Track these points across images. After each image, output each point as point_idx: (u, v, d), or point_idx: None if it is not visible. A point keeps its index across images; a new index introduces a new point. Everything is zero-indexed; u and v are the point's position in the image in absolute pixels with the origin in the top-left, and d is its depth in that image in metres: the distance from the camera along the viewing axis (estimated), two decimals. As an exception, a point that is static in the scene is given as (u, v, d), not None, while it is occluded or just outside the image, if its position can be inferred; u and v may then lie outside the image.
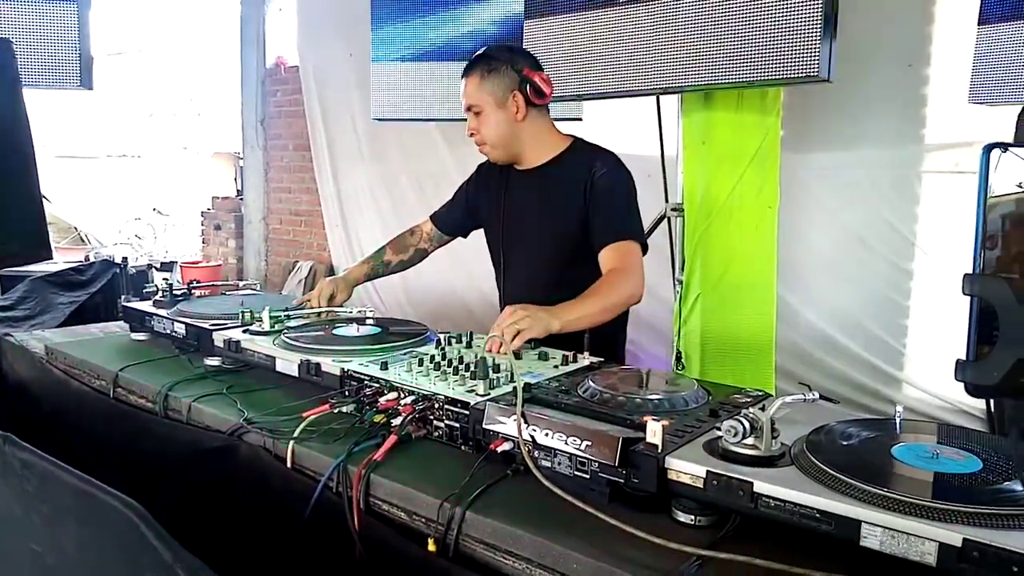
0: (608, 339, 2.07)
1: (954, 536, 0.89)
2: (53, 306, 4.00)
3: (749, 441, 1.10)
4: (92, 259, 5.36)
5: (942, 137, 3.25)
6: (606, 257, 2.00)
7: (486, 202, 2.31)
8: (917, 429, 1.23)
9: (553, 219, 2.13)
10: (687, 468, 1.09)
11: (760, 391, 1.45)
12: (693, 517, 1.10)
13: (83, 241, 12.32)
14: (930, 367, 3.34)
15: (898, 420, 1.20)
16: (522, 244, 2.22)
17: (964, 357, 2.34)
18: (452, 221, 2.44)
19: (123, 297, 2.37)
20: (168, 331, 2.13)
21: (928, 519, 0.91)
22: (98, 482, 1.11)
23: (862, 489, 0.97)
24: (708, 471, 1.07)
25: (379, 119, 4.12)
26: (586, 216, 2.06)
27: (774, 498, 1.01)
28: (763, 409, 1.13)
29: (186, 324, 2.07)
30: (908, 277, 3.41)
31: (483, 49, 2.15)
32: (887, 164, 3.36)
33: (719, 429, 1.13)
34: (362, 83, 4.91)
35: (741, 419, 1.11)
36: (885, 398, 3.45)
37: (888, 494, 0.95)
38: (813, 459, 1.06)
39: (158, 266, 8.20)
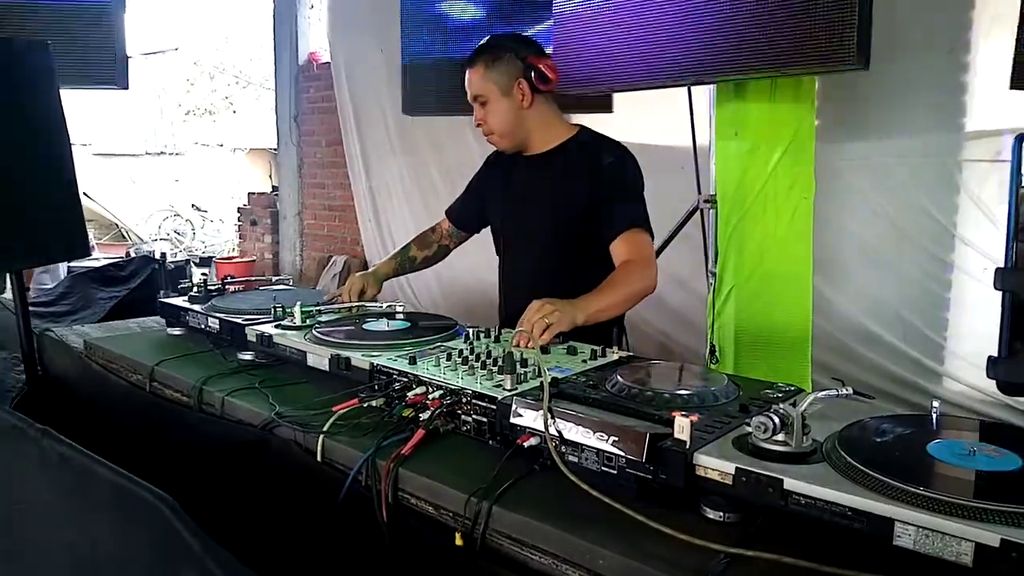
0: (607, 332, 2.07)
1: (992, 536, 0.86)
2: (94, 302, 4.08)
3: (779, 437, 1.08)
4: (132, 255, 5.47)
5: (983, 125, 3.16)
6: (619, 247, 2.00)
7: (492, 190, 2.32)
8: (954, 425, 1.20)
9: (555, 205, 2.13)
10: (715, 464, 1.08)
11: (792, 386, 1.42)
12: (721, 514, 1.09)
13: (124, 237, 12.57)
14: (971, 360, 3.26)
15: (934, 416, 1.17)
16: (523, 230, 2.22)
17: (996, 354, 2.28)
18: (465, 216, 2.45)
19: (161, 293, 2.40)
20: (203, 326, 2.16)
21: (965, 518, 0.89)
22: (131, 475, 1.13)
23: (896, 487, 0.95)
24: (737, 468, 1.06)
25: (409, 114, 4.13)
26: (590, 204, 2.05)
27: (805, 495, 0.99)
28: (794, 405, 1.11)
29: (220, 319, 2.10)
30: (948, 268, 3.33)
31: (486, 39, 2.15)
32: (926, 153, 3.29)
33: (749, 425, 1.12)
34: (393, 78, 4.92)
35: (771, 415, 1.09)
36: (925, 392, 3.38)
37: (923, 492, 0.93)
38: (845, 456, 1.04)
39: (197, 262, 8.34)
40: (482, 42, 2.14)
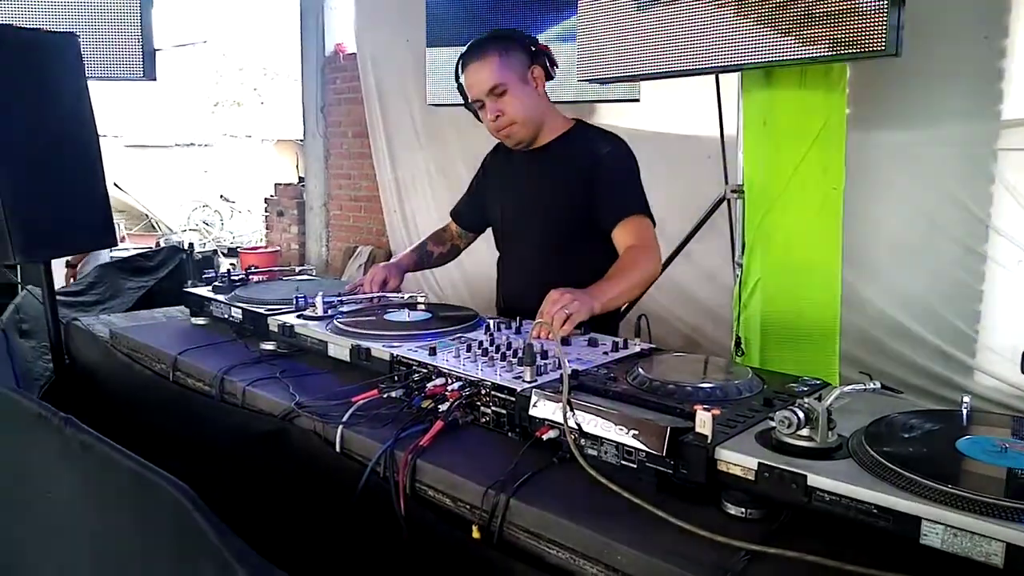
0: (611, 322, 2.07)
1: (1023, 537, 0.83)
2: (122, 291, 4.13)
3: (804, 432, 1.06)
4: (161, 245, 5.52)
5: (1020, 112, 3.08)
6: (621, 234, 1.99)
7: (491, 188, 2.33)
8: (985, 421, 1.17)
9: (553, 197, 2.12)
10: (738, 460, 1.06)
11: (818, 380, 1.39)
12: (743, 510, 1.07)
13: (154, 228, 12.73)
14: (1005, 354, 3.19)
15: (964, 411, 1.14)
16: (521, 224, 2.22)
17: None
18: (469, 217, 2.46)
19: (188, 282, 2.42)
20: (226, 316, 2.17)
21: (995, 517, 0.86)
22: (151, 464, 1.13)
23: (924, 484, 0.92)
24: (760, 463, 1.03)
25: (434, 104, 4.12)
26: (588, 194, 2.04)
27: (829, 492, 0.97)
28: (820, 399, 1.08)
29: (243, 309, 2.11)
30: (981, 260, 3.26)
31: (485, 34, 2.13)
32: (960, 142, 3.21)
33: (772, 419, 1.09)
34: (418, 69, 4.91)
35: (795, 409, 1.06)
36: (957, 386, 3.31)
37: (952, 490, 0.90)
38: (872, 452, 1.01)
39: (225, 252, 8.43)
40: (482, 37, 2.11)
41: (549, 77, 2.13)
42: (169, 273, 4.33)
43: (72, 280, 4.80)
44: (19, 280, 3.10)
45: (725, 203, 3.04)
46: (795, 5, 2.42)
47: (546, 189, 2.14)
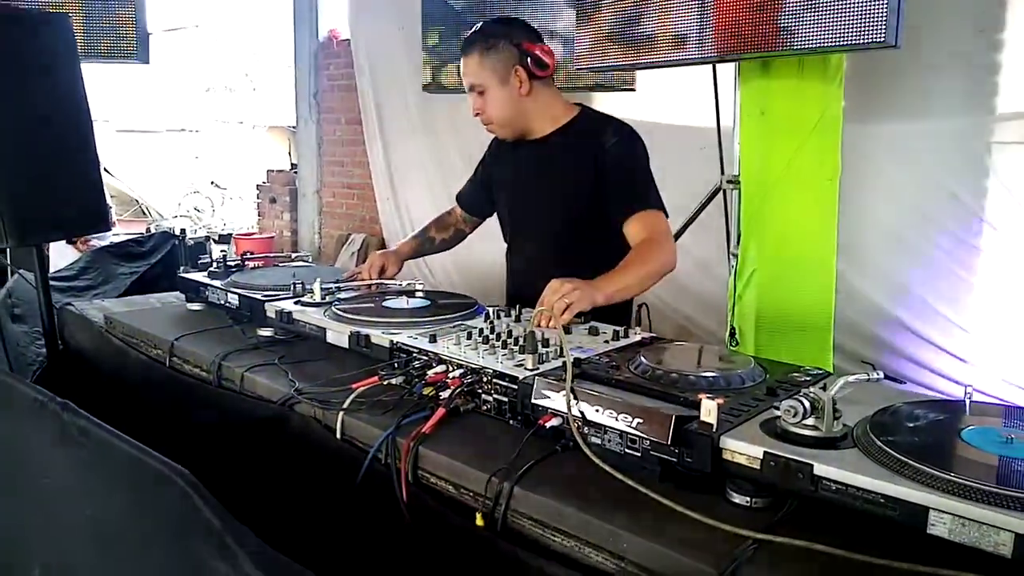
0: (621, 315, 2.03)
1: (1032, 526, 0.83)
2: (114, 277, 4.10)
3: (809, 421, 1.06)
4: (152, 231, 5.48)
5: (1015, 106, 3.09)
6: (633, 228, 1.97)
7: (498, 176, 2.30)
8: (989, 412, 1.17)
9: (562, 187, 2.10)
10: (743, 448, 1.06)
11: (820, 369, 1.39)
12: (748, 499, 1.07)
13: (144, 214, 12.63)
14: (996, 347, 3.21)
15: (968, 402, 1.14)
16: (529, 215, 2.20)
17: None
18: (474, 200, 2.43)
19: (181, 268, 2.40)
20: (222, 302, 2.16)
21: (1004, 507, 0.86)
22: (151, 450, 1.12)
23: (931, 474, 0.92)
24: (766, 452, 1.03)
25: (428, 88, 4.10)
26: (596, 184, 2.02)
27: (836, 481, 0.97)
28: (824, 388, 1.08)
29: (239, 295, 2.09)
30: (975, 253, 3.27)
31: (478, 25, 2.10)
32: (955, 135, 3.21)
33: (777, 408, 1.09)
34: (413, 56, 4.89)
35: (801, 398, 1.06)
36: (948, 378, 3.33)
37: (960, 480, 0.90)
38: (878, 441, 1.01)
39: (216, 239, 8.37)
40: (474, 28, 2.10)
41: (544, 70, 2.06)
42: (161, 259, 4.31)
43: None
44: (9, 263, 3.07)
45: (720, 194, 3.04)
46: (796, -5, 2.41)
47: (549, 181, 2.12)
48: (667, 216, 2.03)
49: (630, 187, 2.01)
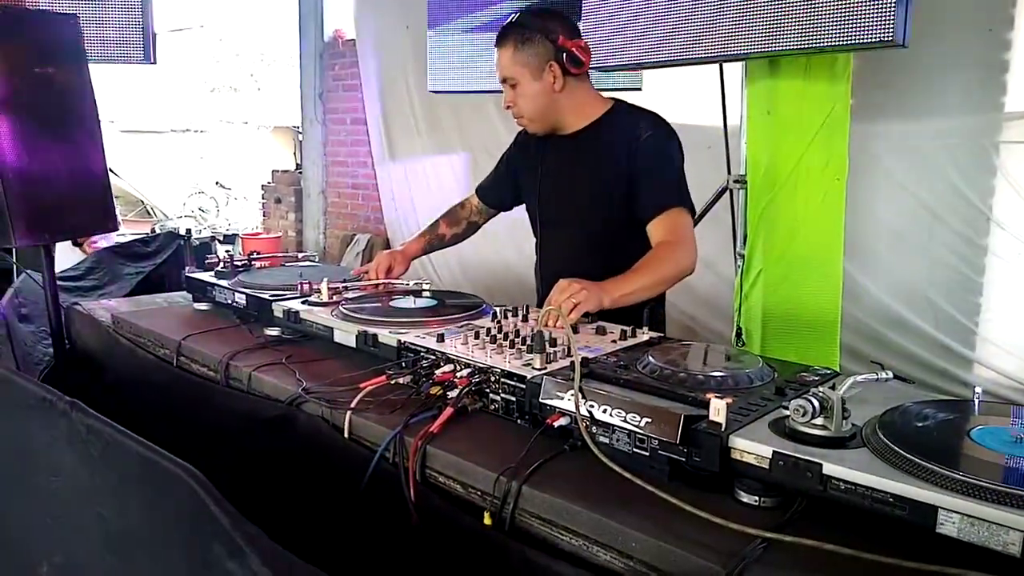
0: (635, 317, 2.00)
1: (1042, 526, 0.83)
2: (120, 277, 4.11)
3: (818, 421, 1.06)
4: (158, 231, 5.50)
5: (1023, 105, 3.07)
6: (656, 228, 1.94)
7: (525, 170, 2.26)
8: (997, 411, 1.17)
9: (592, 183, 2.06)
10: (752, 448, 1.06)
11: (828, 369, 1.39)
12: (757, 498, 1.07)
13: (149, 214, 12.67)
14: (1004, 347, 3.19)
15: (977, 402, 1.14)
16: (560, 211, 2.16)
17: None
18: (496, 194, 2.40)
19: (187, 268, 2.41)
20: (229, 301, 2.16)
21: (1013, 507, 0.86)
22: (160, 449, 1.13)
23: (940, 473, 0.92)
24: (774, 451, 1.03)
25: (435, 91, 4.09)
26: (628, 180, 1.99)
27: (845, 481, 0.97)
28: (833, 388, 1.08)
29: (246, 295, 2.10)
30: (982, 253, 3.26)
31: (515, 16, 2.05)
32: (963, 134, 3.20)
33: (786, 408, 1.09)
34: (418, 56, 4.88)
35: (810, 398, 1.06)
36: (955, 378, 3.32)
37: (970, 479, 0.90)
38: (887, 441, 1.01)
39: (221, 238, 8.39)
40: (510, 19, 2.05)
41: (579, 67, 2.03)
42: (167, 259, 4.32)
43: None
44: (15, 262, 3.08)
45: (727, 193, 3.03)
46: (802, -6, 2.40)
47: (584, 179, 2.08)
48: (694, 212, 2.00)
49: (656, 184, 1.97)
